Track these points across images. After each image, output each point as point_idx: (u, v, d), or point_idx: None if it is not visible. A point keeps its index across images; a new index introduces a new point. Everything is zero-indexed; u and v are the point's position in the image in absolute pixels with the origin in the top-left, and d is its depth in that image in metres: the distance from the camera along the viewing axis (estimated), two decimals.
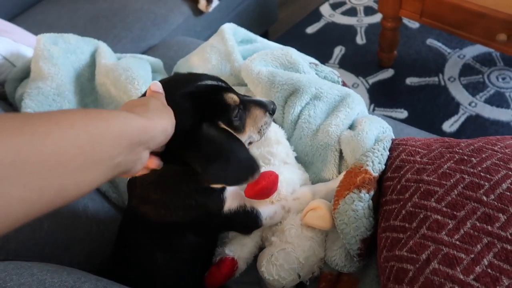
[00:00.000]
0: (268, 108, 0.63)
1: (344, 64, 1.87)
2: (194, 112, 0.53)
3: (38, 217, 0.67)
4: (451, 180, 0.57)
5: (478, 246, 0.49)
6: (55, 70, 0.88)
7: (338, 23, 2.08)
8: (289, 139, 0.83)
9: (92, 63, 0.98)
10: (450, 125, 1.55)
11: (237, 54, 0.98)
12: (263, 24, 1.86)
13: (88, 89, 0.96)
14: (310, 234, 0.66)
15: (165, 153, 0.52)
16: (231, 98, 0.58)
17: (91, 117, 0.36)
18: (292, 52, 0.94)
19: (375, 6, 2.12)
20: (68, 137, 0.33)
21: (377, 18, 2.04)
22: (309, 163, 0.80)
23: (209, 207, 0.62)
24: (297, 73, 0.89)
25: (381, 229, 0.61)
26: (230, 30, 1.04)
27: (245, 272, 0.70)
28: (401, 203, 0.59)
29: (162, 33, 1.42)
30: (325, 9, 2.18)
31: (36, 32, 1.06)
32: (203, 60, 1.01)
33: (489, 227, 0.50)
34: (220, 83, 0.59)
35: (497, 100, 1.58)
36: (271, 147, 0.75)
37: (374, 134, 0.75)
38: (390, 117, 1.59)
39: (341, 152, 0.77)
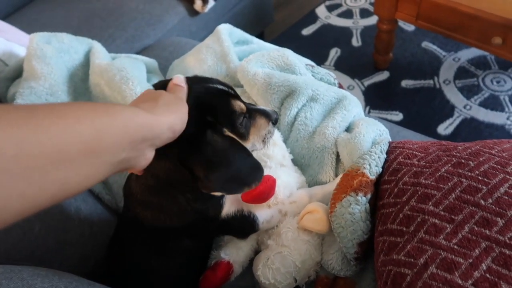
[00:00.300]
0: (271, 118, 0.63)
1: (340, 66, 1.87)
2: (200, 115, 0.52)
3: (28, 219, 0.66)
4: (449, 184, 0.56)
5: (476, 250, 0.48)
6: (48, 70, 0.87)
7: (334, 25, 2.08)
8: (285, 141, 0.82)
9: (86, 63, 0.96)
10: (445, 128, 1.55)
11: (233, 55, 0.97)
12: (259, 25, 1.86)
13: (82, 89, 0.95)
14: (306, 237, 0.66)
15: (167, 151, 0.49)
16: (238, 105, 0.57)
17: (97, 111, 0.35)
18: (288, 54, 0.93)
19: (371, 8, 2.12)
20: (72, 131, 0.32)
21: (373, 20, 2.04)
22: (306, 165, 0.79)
23: (207, 212, 0.61)
24: (294, 75, 0.88)
25: (378, 232, 0.60)
26: (226, 31, 1.03)
27: (241, 275, 0.69)
28: (398, 206, 0.59)
29: (157, 33, 1.41)
30: (321, 10, 2.18)
31: (29, 31, 1.05)
32: (198, 61, 1.00)
33: (487, 231, 0.49)
34: (229, 89, 0.59)
35: (492, 103, 1.59)
36: (268, 149, 0.74)
37: (371, 136, 0.75)
38: (386, 119, 1.58)
39: (338, 155, 0.77)
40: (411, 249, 0.52)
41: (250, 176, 0.54)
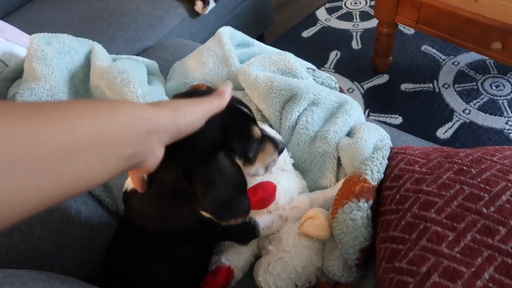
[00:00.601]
0: (278, 147, 0.63)
1: (340, 68, 1.87)
2: (219, 134, 0.52)
3: (29, 222, 0.66)
4: (451, 191, 0.57)
5: (479, 259, 0.48)
6: (48, 71, 0.86)
7: (334, 28, 2.08)
8: (286, 145, 0.82)
9: (86, 65, 0.96)
10: (444, 132, 1.55)
11: (234, 58, 0.97)
12: (259, 27, 1.86)
13: (82, 91, 0.94)
14: (307, 243, 0.66)
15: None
16: (256, 131, 0.58)
17: (100, 107, 0.37)
18: (290, 57, 0.93)
19: (371, 11, 2.12)
20: (77, 125, 0.33)
21: (372, 23, 2.04)
22: (307, 170, 0.79)
23: (210, 221, 0.61)
24: (295, 79, 0.88)
25: (380, 239, 0.60)
26: (227, 34, 1.03)
27: (241, 281, 0.69)
28: (401, 213, 0.59)
29: (157, 35, 1.40)
30: (321, 13, 2.18)
31: (29, 32, 1.04)
32: (199, 64, 1.00)
33: (489, 239, 0.50)
34: (250, 112, 0.59)
35: (491, 107, 1.60)
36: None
37: (373, 142, 0.75)
38: (385, 122, 1.59)
39: (339, 160, 0.77)
40: (413, 257, 0.52)
41: (239, 211, 0.54)
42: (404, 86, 1.73)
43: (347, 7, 2.18)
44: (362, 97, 1.73)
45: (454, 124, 1.57)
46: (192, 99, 0.48)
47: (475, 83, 1.69)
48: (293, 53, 0.97)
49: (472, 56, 1.78)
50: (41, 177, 0.30)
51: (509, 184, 0.55)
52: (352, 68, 1.86)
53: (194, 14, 1.49)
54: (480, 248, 0.49)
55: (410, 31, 1.96)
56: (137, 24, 1.39)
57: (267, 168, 0.63)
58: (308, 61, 1.01)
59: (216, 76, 0.97)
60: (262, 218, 0.66)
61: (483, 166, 0.59)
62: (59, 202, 0.32)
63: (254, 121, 0.59)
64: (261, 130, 0.60)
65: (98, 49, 0.98)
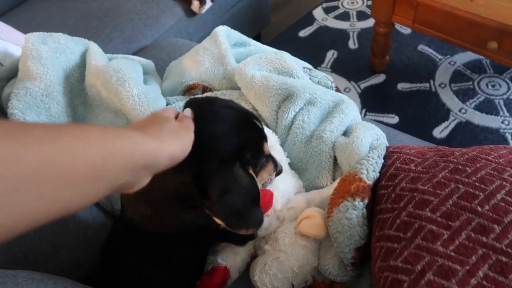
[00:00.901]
0: (277, 168, 0.65)
1: (336, 68, 1.87)
2: (238, 143, 0.54)
3: None
4: (446, 190, 0.57)
5: (473, 257, 0.48)
6: (43, 70, 0.86)
7: (331, 27, 2.08)
8: (282, 144, 0.82)
9: (82, 64, 0.96)
10: (440, 131, 1.56)
11: (231, 57, 0.97)
12: (256, 27, 1.86)
13: (78, 90, 0.94)
14: (304, 242, 0.66)
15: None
16: (267, 149, 0.60)
17: (108, 135, 0.37)
18: (286, 57, 0.93)
19: (368, 11, 2.13)
20: (84, 153, 0.33)
21: (369, 23, 2.05)
22: (303, 169, 0.79)
23: (209, 225, 0.61)
24: (291, 78, 0.88)
25: (375, 238, 0.60)
26: (224, 33, 1.03)
27: (238, 280, 0.69)
28: (396, 212, 0.59)
29: (154, 34, 1.40)
30: (318, 13, 2.18)
31: (24, 31, 1.04)
32: (196, 63, 1.00)
33: (484, 238, 0.50)
34: (263, 127, 0.61)
35: (487, 107, 1.60)
36: None
37: (369, 141, 0.75)
38: (382, 122, 1.60)
39: (335, 159, 0.77)
40: (408, 256, 0.52)
41: (252, 222, 0.55)
42: (401, 86, 1.74)
43: (344, 7, 2.18)
44: (359, 96, 1.73)
45: (450, 123, 1.57)
46: (178, 122, 0.49)
47: (471, 83, 1.69)
48: (290, 52, 0.97)
49: (468, 56, 1.79)
50: (39, 202, 0.29)
51: (504, 183, 0.55)
52: (349, 68, 1.86)
53: (191, 13, 1.49)
54: (474, 246, 0.49)
55: (406, 30, 1.96)
56: (134, 23, 1.38)
57: (263, 185, 0.65)
58: (305, 60, 1.01)
59: (212, 76, 0.96)
60: None
61: (478, 165, 0.59)
62: (37, 226, 0.31)
63: (266, 139, 0.61)
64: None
65: (94, 48, 0.98)
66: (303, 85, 0.84)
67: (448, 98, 1.66)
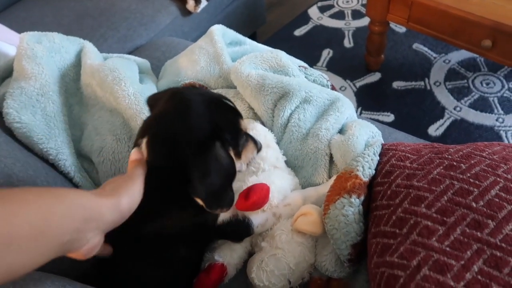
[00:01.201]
0: (258, 146, 0.68)
1: (332, 67, 1.87)
2: (212, 126, 0.56)
3: None
4: (441, 186, 0.57)
5: (468, 252, 0.49)
6: (38, 70, 0.86)
7: (326, 26, 2.09)
8: (278, 143, 0.82)
9: (77, 63, 0.95)
10: (435, 129, 1.57)
11: (226, 56, 0.97)
12: (252, 26, 1.86)
13: (73, 89, 0.94)
14: (300, 239, 0.66)
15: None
16: (244, 125, 0.62)
17: (44, 195, 0.37)
18: (281, 55, 0.93)
19: (363, 10, 2.13)
20: (22, 214, 0.33)
21: (364, 22, 2.05)
22: (299, 167, 0.79)
23: (206, 222, 0.62)
24: (287, 77, 0.89)
25: (372, 234, 0.60)
26: (219, 32, 1.03)
27: (235, 277, 0.69)
28: (392, 208, 0.59)
29: (149, 33, 1.40)
30: (313, 11, 2.19)
31: (19, 30, 1.03)
32: (191, 62, 1.00)
33: (478, 233, 0.50)
34: (235, 107, 0.63)
35: (481, 105, 1.61)
36: (261, 151, 0.74)
37: (364, 138, 0.75)
38: (377, 120, 1.60)
39: (331, 156, 0.77)
40: (404, 251, 0.53)
41: (225, 201, 0.57)
42: (396, 84, 1.74)
43: (339, 6, 2.19)
44: (355, 95, 1.74)
45: (445, 121, 1.58)
46: (124, 176, 0.51)
47: (466, 81, 1.70)
48: (285, 51, 0.97)
49: (463, 54, 1.80)
50: None
51: (498, 179, 0.56)
52: (344, 66, 1.86)
53: (186, 12, 1.49)
54: (469, 241, 0.50)
55: (401, 29, 1.97)
56: (129, 23, 1.38)
57: (248, 165, 0.67)
58: (301, 59, 1.01)
59: (208, 75, 0.97)
60: (256, 216, 0.66)
61: (472, 162, 0.60)
62: None
63: (241, 115, 0.62)
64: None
65: (89, 47, 0.97)
66: (298, 84, 0.84)
67: (443, 96, 1.67)
